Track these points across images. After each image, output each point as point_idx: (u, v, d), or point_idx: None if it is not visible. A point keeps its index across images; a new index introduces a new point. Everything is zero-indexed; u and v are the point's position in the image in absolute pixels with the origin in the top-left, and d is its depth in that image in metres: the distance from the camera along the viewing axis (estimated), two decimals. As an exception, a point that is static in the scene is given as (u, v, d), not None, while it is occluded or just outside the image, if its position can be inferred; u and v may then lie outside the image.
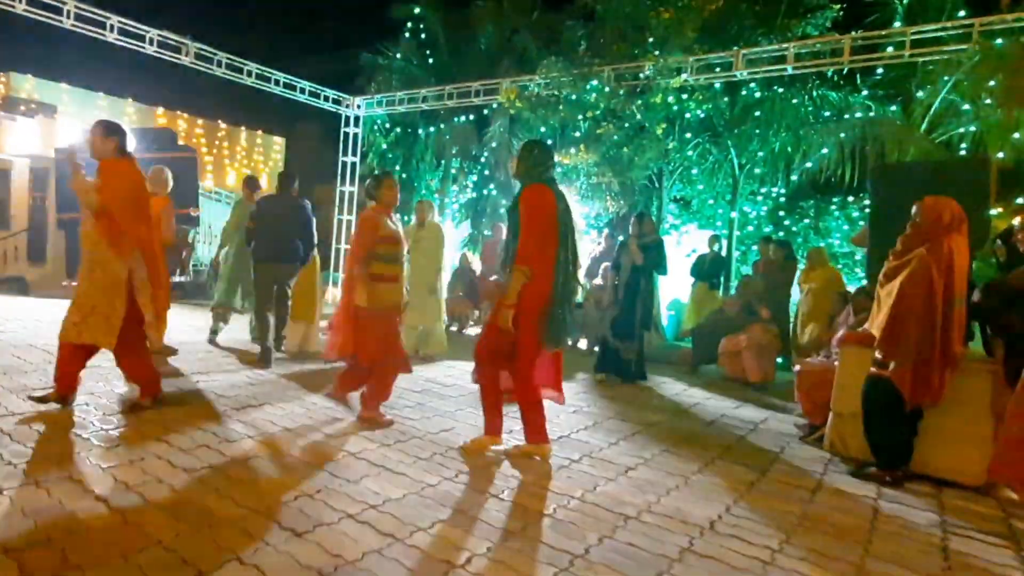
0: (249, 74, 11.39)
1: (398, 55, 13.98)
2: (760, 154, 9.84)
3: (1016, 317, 3.75)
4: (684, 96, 9.46)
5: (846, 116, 9.17)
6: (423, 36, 14.14)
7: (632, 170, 9.76)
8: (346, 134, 13.64)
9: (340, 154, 13.68)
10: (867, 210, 8.32)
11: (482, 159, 13.24)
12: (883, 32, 8.43)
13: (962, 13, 8.08)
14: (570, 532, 2.66)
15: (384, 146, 14.24)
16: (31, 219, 10.70)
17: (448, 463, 3.46)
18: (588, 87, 9.84)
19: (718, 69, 9.38)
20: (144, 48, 9.91)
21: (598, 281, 8.51)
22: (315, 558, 2.27)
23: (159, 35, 9.99)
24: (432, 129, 14.04)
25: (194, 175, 10.01)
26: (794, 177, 10.19)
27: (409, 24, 14.05)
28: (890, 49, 8.24)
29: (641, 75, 9.61)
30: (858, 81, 9.58)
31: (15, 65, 11.32)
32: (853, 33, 8.67)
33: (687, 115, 9.73)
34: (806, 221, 10.87)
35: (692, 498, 3.18)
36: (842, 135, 9.03)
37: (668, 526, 2.79)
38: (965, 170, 5.19)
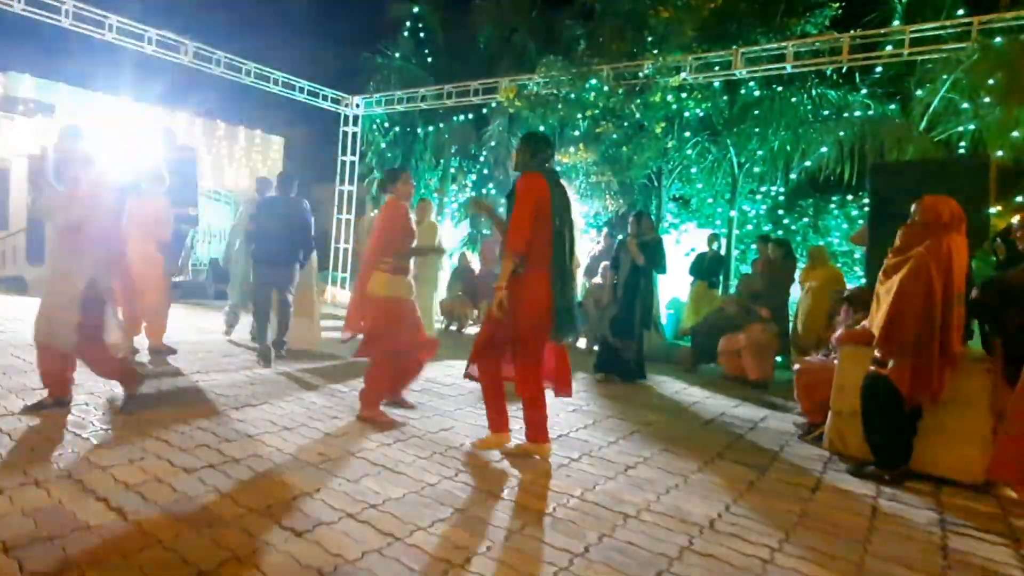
0: (248, 73, 11.38)
1: (397, 54, 13.99)
2: (759, 153, 9.83)
3: (1014, 314, 3.75)
4: (683, 95, 9.45)
5: (845, 115, 9.16)
6: (422, 35, 14.14)
7: (631, 169, 9.76)
8: (345, 133, 13.64)
9: (339, 153, 13.68)
10: (866, 209, 8.31)
11: (481, 158, 13.25)
12: (882, 31, 8.44)
13: (961, 12, 8.07)
14: (570, 531, 2.66)
15: (383, 145, 14.24)
16: (30, 219, 10.68)
17: (448, 462, 3.46)
18: (587, 86, 9.83)
19: (717, 68, 9.38)
20: (143, 47, 9.90)
21: (597, 280, 8.52)
22: (315, 557, 2.27)
23: (158, 34, 9.98)
24: (431, 128, 14.04)
25: (194, 174, 9.97)
26: (793, 176, 10.19)
27: (408, 23, 14.05)
28: (889, 48, 8.24)
29: (640, 74, 9.61)
30: (857, 80, 9.58)
31: (13, 64, 11.26)
32: (852, 32, 8.68)
33: (686, 114, 9.73)
34: (805, 220, 10.86)
35: (692, 497, 3.18)
36: (841, 134, 9.04)
37: (668, 525, 2.80)
38: (964, 169, 5.20)
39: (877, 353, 3.70)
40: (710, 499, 3.17)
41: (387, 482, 3.07)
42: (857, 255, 9.54)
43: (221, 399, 4.45)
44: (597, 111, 9.97)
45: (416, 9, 13.93)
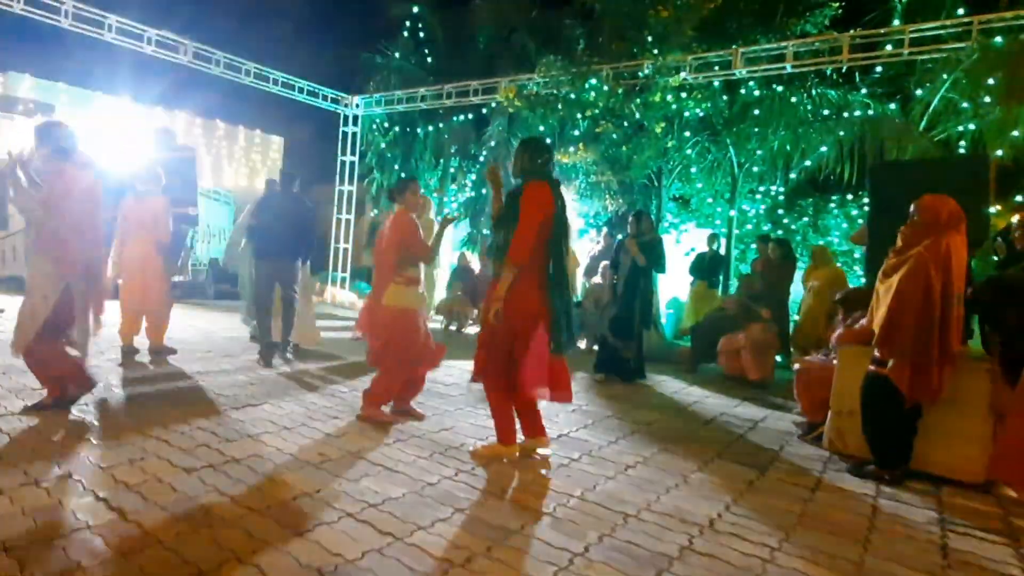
0: (247, 73, 11.39)
1: (396, 54, 13.99)
2: (759, 153, 9.84)
3: (1012, 313, 3.75)
4: (683, 95, 9.46)
5: (845, 114, 9.17)
6: (421, 35, 14.14)
7: (631, 169, 9.77)
8: (344, 133, 13.64)
9: (339, 153, 13.68)
10: (866, 208, 8.33)
11: (481, 158, 13.24)
12: (882, 30, 8.44)
13: (961, 11, 8.08)
14: (570, 531, 2.66)
15: (383, 145, 14.24)
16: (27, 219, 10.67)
17: (448, 462, 3.46)
18: (587, 86, 9.83)
19: (717, 68, 9.39)
20: (142, 47, 9.91)
21: (597, 280, 8.52)
22: (315, 557, 2.27)
23: (157, 34, 9.98)
24: (431, 128, 14.04)
25: (193, 174, 9.97)
26: (793, 175, 10.21)
27: (407, 23, 14.05)
28: (889, 47, 8.25)
29: (640, 74, 9.62)
30: (857, 79, 9.58)
31: (13, 64, 11.31)
32: (852, 31, 8.69)
33: (686, 114, 9.73)
34: (805, 219, 10.87)
35: (692, 496, 3.19)
36: (841, 133, 9.05)
37: (668, 524, 2.80)
38: (964, 168, 5.20)
39: (877, 353, 3.70)
40: (710, 499, 3.17)
41: (387, 482, 3.07)
42: (857, 255, 9.55)
43: (221, 399, 4.45)
44: (597, 111, 9.97)
45: (416, 9, 13.93)
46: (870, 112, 9.10)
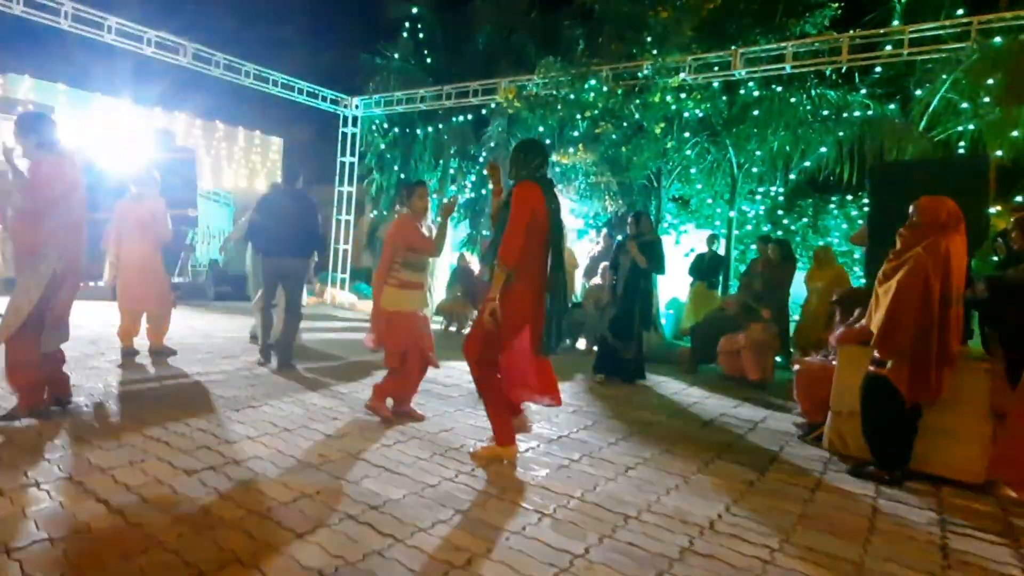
0: (247, 74, 11.39)
1: (396, 55, 13.98)
2: (758, 153, 9.84)
3: (1012, 312, 3.76)
4: (682, 95, 9.46)
5: (844, 115, 9.17)
6: (421, 36, 14.13)
7: (631, 169, 9.77)
8: (344, 134, 13.64)
9: (338, 154, 13.68)
10: (866, 209, 8.33)
11: (480, 159, 13.24)
12: (881, 31, 8.45)
13: (960, 12, 8.08)
14: (570, 532, 2.66)
15: (382, 146, 14.24)
16: None
17: (448, 463, 3.47)
18: (586, 87, 9.84)
19: (716, 68, 9.39)
20: (142, 49, 9.91)
21: (597, 281, 8.53)
22: (316, 559, 2.27)
23: (157, 36, 9.98)
24: (430, 129, 14.03)
25: (192, 175, 10.01)
26: (792, 176, 10.20)
27: (407, 24, 14.04)
28: (888, 48, 8.25)
29: (639, 74, 9.62)
30: (856, 80, 9.58)
31: (12, 66, 11.31)
32: (851, 32, 8.69)
33: (685, 114, 9.74)
34: (805, 220, 10.87)
35: (692, 497, 3.19)
36: (840, 134, 9.04)
37: (668, 525, 2.80)
38: (964, 169, 5.21)
39: (876, 353, 3.71)
40: (710, 500, 3.17)
41: (387, 483, 3.07)
42: (857, 255, 9.56)
43: (221, 400, 4.45)
44: (596, 112, 9.97)
45: (415, 10, 13.92)
46: (870, 112, 9.10)
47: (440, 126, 13.82)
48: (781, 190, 10.76)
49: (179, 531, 2.40)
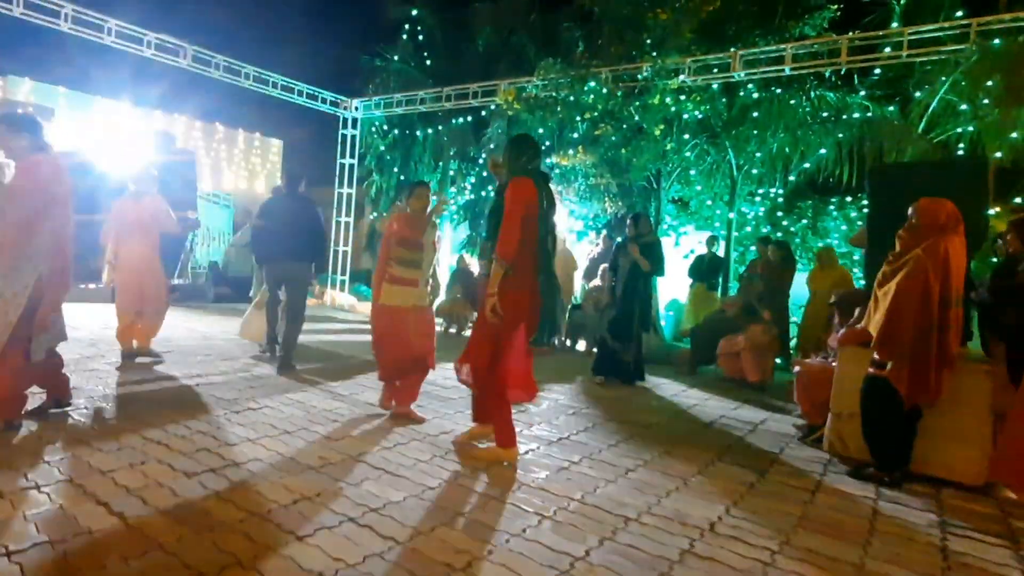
0: (247, 76, 11.40)
1: (396, 57, 14.00)
2: (758, 155, 9.84)
3: (1013, 313, 3.76)
4: (682, 97, 9.47)
5: (844, 116, 9.18)
6: (421, 38, 14.15)
7: (630, 171, 9.77)
8: (344, 136, 13.65)
9: (338, 156, 13.69)
10: (865, 210, 8.34)
11: (480, 161, 13.25)
12: (880, 32, 8.46)
13: (959, 13, 8.09)
14: (570, 534, 2.66)
15: (382, 148, 14.24)
16: None
17: (448, 466, 3.47)
18: (586, 88, 9.84)
19: (716, 70, 9.40)
20: (142, 51, 9.92)
21: (596, 282, 8.53)
22: (316, 562, 2.27)
23: (157, 38, 10.00)
24: (430, 131, 14.05)
25: (192, 178, 10.00)
26: (792, 178, 10.20)
27: (407, 26, 14.07)
28: (888, 49, 8.26)
29: (639, 76, 9.63)
30: (856, 82, 9.59)
31: (12, 68, 11.30)
32: (851, 34, 8.70)
33: (685, 116, 9.74)
34: (804, 221, 10.86)
35: (692, 499, 3.19)
36: (840, 135, 9.05)
37: (668, 528, 2.80)
38: (963, 170, 5.21)
39: (876, 355, 3.71)
40: (710, 502, 3.17)
41: (388, 485, 3.07)
42: (856, 256, 9.56)
43: (221, 402, 4.45)
44: (596, 113, 9.98)
45: (415, 12, 13.95)
46: (869, 114, 9.11)
47: (440, 128, 13.84)
48: (780, 192, 10.76)
49: (179, 533, 2.40)
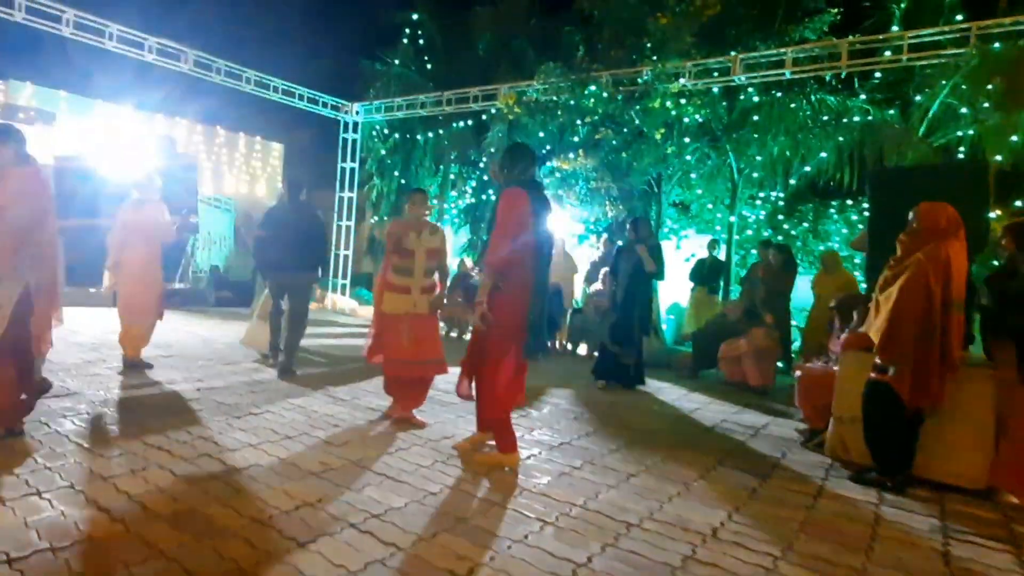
0: (248, 80, 11.43)
1: (396, 61, 14.01)
2: (759, 158, 9.86)
3: (1019, 317, 3.74)
4: (682, 101, 9.48)
5: (844, 120, 9.20)
6: (421, 42, 14.17)
7: (631, 175, 9.79)
8: (344, 140, 13.68)
9: (339, 160, 13.71)
10: (866, 214, 8.34)
11: (481, 164, 13.26)
12: (881, 36, 8.48)
13: (960, 17, 8.11)
14: (573, 540, 2.66)
15: (383, 152, 14.26)
16: None
17: (449, 471, 3.46)
18: (586, 92, 9.86)
19: (716, 74, 9.42)
20: (143, 55, 9.94)
21: (597, 286, 8.53)
22: (318, 568, 2.26)
23: (158, 43, 10.02)
24: (430, 135, 14.06)
25: (194, 181, 10.02)
26: (793, 181, 10.22)
27: (407, 30, 14.08)
28: (888, 53, 8.28)
29: (639, 80, 9.65)
30: (856, 85, 9.62)
31: (14, 72, 11.32)
32: (851, 37, 8.72)
33: (685, 120, 9.76)
34: (805, 225, 10.88)
35: (694, 505, 3.18)
36: (840, 139, 9.07)
37: (670, 533, 2.79)
38: (963, 174, 5.22)
39: (878, 359, 3.71)
40: (712, 507, 3.17)
41: (389, 491, 3.07)
42: (857, 260, 9.56)
43: (223, 407, 4.45)
44: (596, 117, 10.00)
45: (415, 16, 13.97)
46: (869, 118, 9.13)
47: (440, 132, 13.84)
48: (781, 195, 10.77)
49: (180, 540, 2.40)
